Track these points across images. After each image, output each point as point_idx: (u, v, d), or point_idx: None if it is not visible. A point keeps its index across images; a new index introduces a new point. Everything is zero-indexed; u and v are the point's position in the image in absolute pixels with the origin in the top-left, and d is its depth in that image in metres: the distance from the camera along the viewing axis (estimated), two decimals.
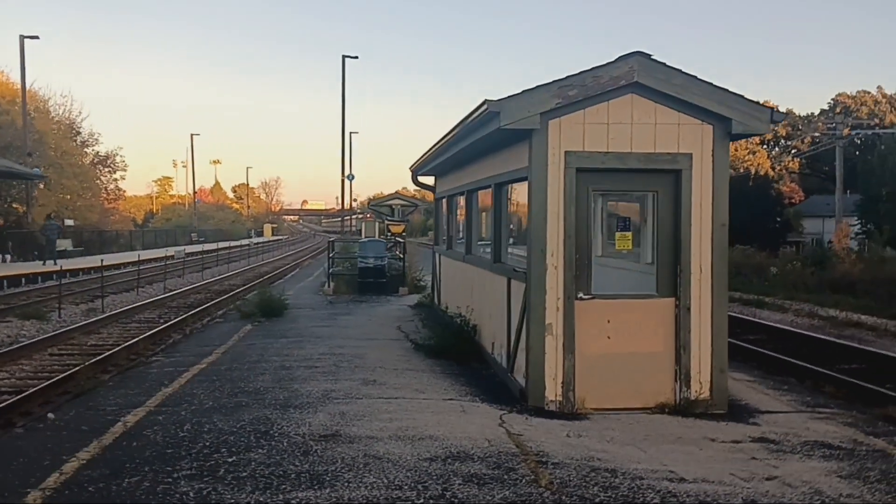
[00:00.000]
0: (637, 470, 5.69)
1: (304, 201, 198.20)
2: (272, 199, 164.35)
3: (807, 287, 26.40)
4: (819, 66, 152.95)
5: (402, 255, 22.86)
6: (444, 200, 15.24)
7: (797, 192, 64.53)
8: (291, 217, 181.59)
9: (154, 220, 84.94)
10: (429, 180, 16.91)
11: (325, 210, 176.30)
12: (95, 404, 7.72)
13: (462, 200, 12.97)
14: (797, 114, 66.05)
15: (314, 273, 31.33)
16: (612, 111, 7.68)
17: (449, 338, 10.85)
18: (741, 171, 54.36)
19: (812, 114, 66.82)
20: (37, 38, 38.30)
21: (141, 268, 26.65)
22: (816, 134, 54.35)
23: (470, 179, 11.54)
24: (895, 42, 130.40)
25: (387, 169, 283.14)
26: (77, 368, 10.56)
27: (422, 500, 4.81)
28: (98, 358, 11.43)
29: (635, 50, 7.59)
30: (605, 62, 7.60)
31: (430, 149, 12.64)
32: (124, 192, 66.88)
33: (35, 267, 28.21)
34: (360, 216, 68.06)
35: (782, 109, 37.12)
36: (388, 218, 30.65)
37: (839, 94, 67.85)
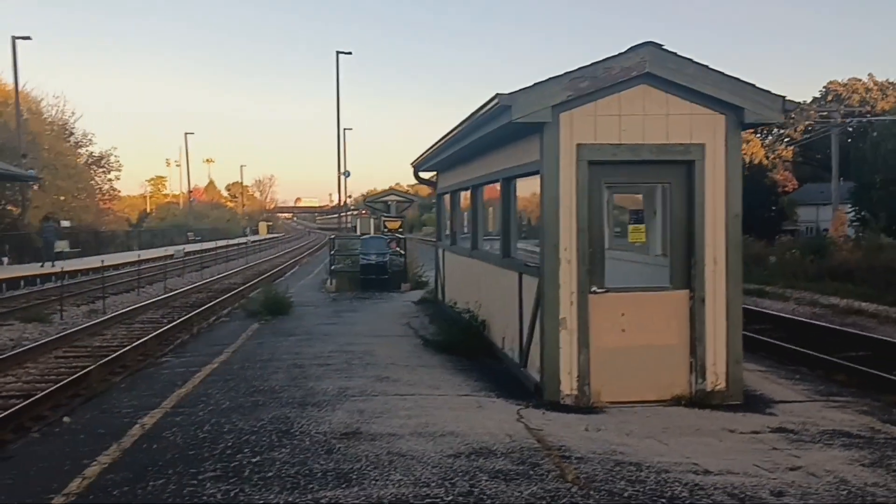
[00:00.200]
0: (661, 463, 5.67)
1: (298, 199, 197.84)
2: (266, 197, 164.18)
3: (806, 275, 26.43)
4: (809, 53, 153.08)
5: (403, 252, 22.80)
6: (448, 196, 15.17)
7: (790, 181, 64.70)
8: (286, 215, 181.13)
9: (148, 220, 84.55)
10: (430, 176, 16.86)
11: (320, 207, 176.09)
12: (110, 407, 7.68)
13: (467, 195, 12.92)
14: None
15: (314, 270, 31.27)
16: (623, 103, 7.66)
17: (458, 333, 10.83)
18: None
19: (804, 101, 66.94)
20: (28, 38, 38.14)
21: (140, 268, 26.55)
22: (809, 122, 54.41)
23: (476, 174, 11.50)
24: (886, 29, 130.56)
25: (379, 165, 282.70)
26: (85, 371, 10.50)
27: (450, 498, 4.79)
28: (106, 360, 11.37)
29: (646, 40, 7.57)
30: (615, 53, 7.57)
31: (435, 144, 12.60)
32: (119, 192, 66.60)
33: (33, 269, 28.08)
34: (356, 213, 67.94)
35: None
36: (385, 214, 30.61)
37: (830, 82, 68.10)
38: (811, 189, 61.55)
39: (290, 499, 4.78)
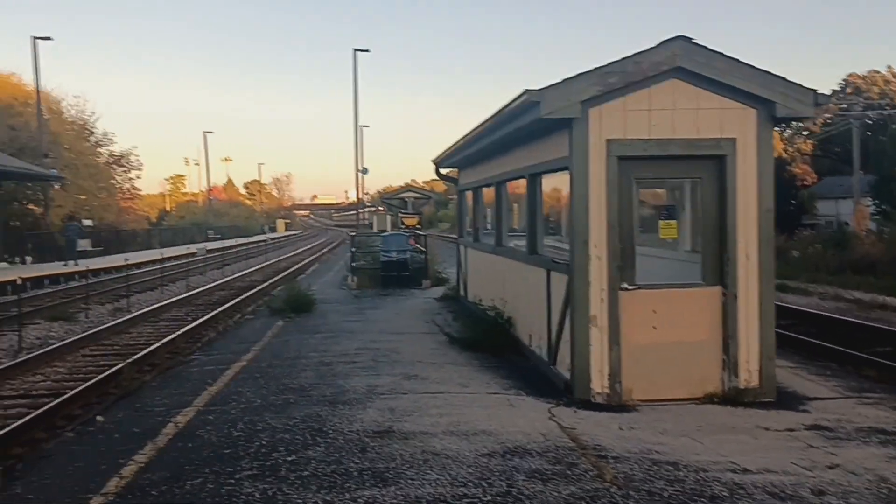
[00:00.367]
0: (698, 462, 5.63)
1: (314, 196, 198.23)
2: (283, 195, 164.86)
3: (828, 269, 26.22)
4: (828, 46, 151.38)
5: (423, 248, 22.80)
6: (470, 192, 15.15)
7: (809, 174, 64.02)
8: (302, 212, 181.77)
9: (168, 218, 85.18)
10: (449, 172, 16.82)
11: (336, 204, 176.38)
12: (143, 405, 7.73)
13: (490, 192, 12.89)
14: None
15: (334, 268, 31.34)
16: (653, 97, 7.60)
17: (483, 331, 10.81)
18: None
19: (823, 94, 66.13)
20: (49, 39, 38.44)
21: (163, 266, 26.71)
22: (828, 115, 53.85)
23: (500, 170, 11.46)
24: None
25: (395, 162, 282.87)
26: (115, 369, 10.56)
27: (488, 498, 4.77)
28: (134, 358, 11.43)
29: (677, 34, 7.51)
30: (645, 48, 7.51)
31: (458, 140, 12.57)
32: (140, 191, 67.08)
33: (56, 268, 28.30)
34: (372, 209, 68.10)
35: None
36: (402, 210, 30.63)
37: (850, 75, 67.28)
38: (830, 182, 60.83)
39: (328, 498, 4.78)
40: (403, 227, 29.27)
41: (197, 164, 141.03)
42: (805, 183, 60.81)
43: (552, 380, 8.42)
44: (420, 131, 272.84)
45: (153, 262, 31.82)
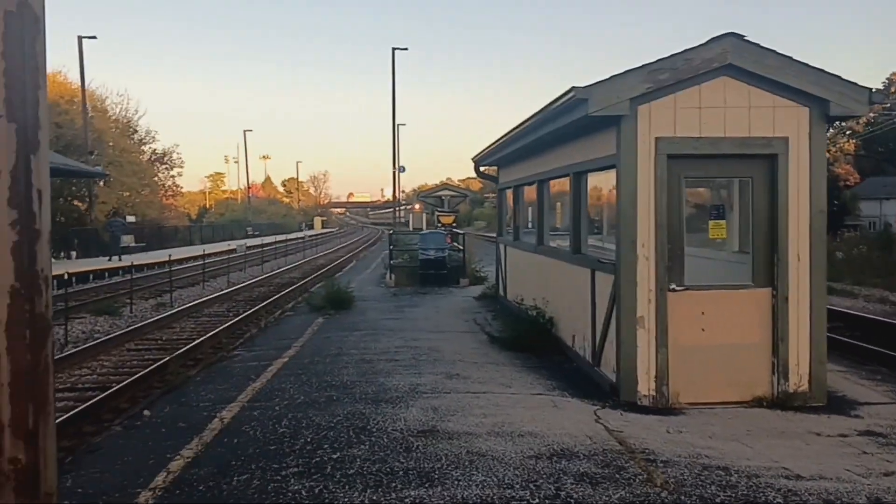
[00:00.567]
0: (749, 467, 5.50)
1: (350, 194, 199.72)
2: (320, 193, 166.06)
3: (874, 271, 25.63)
4: (870, 44, 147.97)
5: (461, 247, 22.75)
6: (510, 191, 15.04)
7: (852, 174, 62.73)
8: (338, 210, 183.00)
9: (208, 216, 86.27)
10: (487, 170, 16.75)
11: (372, 202, 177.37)
12: (188, 400, 7.78)
13: (532, 190, 12.78)
14: None
15: (371, 265, 31.41)
16: (704, 95, 7.45)
17: (524, 330, 10.70)
18: None
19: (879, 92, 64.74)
20: (94, 38, 39.20)
21: (204, 262, 27.02)
22: (872, 114, 52.69)
23: (543, 168, 11.35)
24: None
25: (430, 160, 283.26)
26: (159, 363, 10.69)
27: (536, 501, 4.70)
28: (178, 352, 11.56)
29: (728, 31, 7.35)
30: (695, 45, 7.38)
31: (499, 138, 12.49)
32: (181, 188, 68.02)
33: (101, 263, 28.79)
34: (408, 207, 68.24)
35: None
36: (438, 209, 30.60)
37: (894, 73, 65.72)
38: (874, 183, 59.52)
39: (374, 497, 4.75)
40: (440, 224, 29.25)
41: (236, 162, 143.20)
42: (848, 183, 59.66)
43: (596, 381, 8.31)
44: (455, 130, 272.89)
45: (194, 258, 32.21)
